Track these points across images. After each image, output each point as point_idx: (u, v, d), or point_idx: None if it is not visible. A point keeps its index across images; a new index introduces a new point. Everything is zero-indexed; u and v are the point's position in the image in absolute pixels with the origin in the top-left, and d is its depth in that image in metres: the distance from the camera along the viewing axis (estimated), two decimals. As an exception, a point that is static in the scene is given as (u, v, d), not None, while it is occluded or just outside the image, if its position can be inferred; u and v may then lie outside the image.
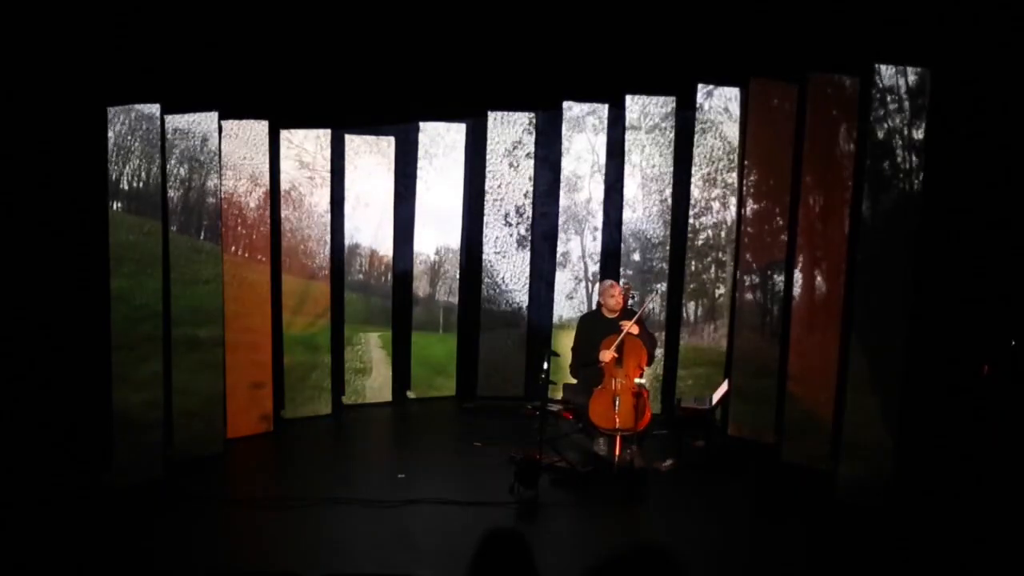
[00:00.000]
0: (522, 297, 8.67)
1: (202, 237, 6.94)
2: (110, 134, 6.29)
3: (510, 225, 8.59)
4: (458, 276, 8.70)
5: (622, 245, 8.31)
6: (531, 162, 8.53)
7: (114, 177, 6.33)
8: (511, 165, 8.51)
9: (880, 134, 6.36)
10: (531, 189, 8.56)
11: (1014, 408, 6.40)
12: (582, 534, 6.01)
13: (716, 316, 8.08)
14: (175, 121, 6.73)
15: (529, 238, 8.63)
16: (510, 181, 8.52)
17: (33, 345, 6.39)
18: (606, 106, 8.36)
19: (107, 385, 6.34)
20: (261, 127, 7.37)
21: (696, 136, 7.96)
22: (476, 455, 7.22)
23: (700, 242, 8.05)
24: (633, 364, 6.76)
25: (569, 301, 8.49)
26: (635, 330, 6.77)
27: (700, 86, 7.91)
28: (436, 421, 8.20)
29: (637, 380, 6.72)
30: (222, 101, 7.01)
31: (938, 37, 6.51)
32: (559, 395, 7.24)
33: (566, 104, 8.36)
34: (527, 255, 8.65)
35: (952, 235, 6.73)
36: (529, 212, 8.60)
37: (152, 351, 6.53)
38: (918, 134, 6.29)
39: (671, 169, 8.25)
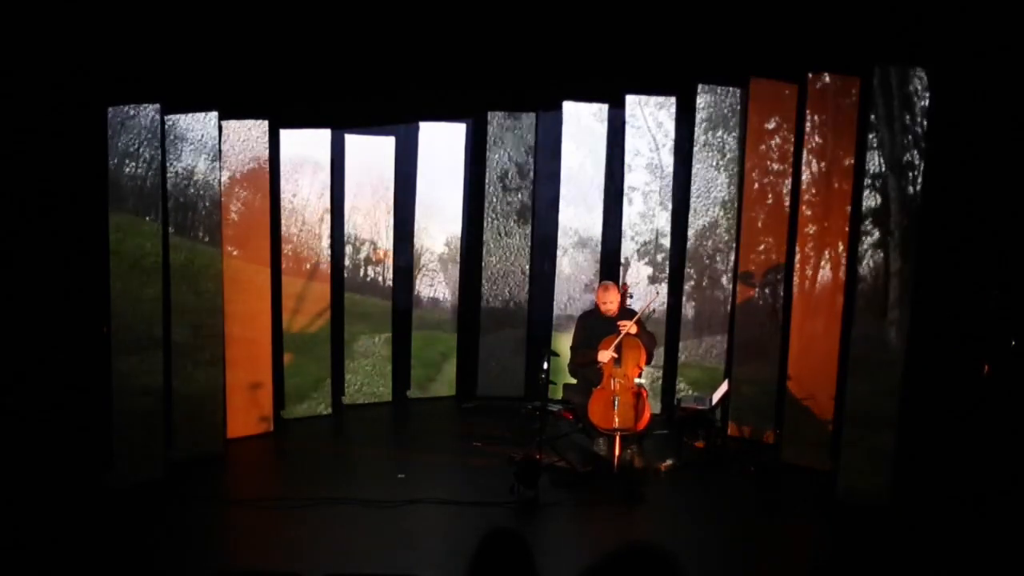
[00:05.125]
0: (522, 290, 8.69)
1: (202, 237, 6.93)
2: (110, 134, 6.29)
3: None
4: (459, 276, 8.70)
5: (622, 245, 8.32)
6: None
7: (114, 177, 6.32)
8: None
9: (880, 134, 6.35)
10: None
11: (1014, 408, 6.41)
12: (582, 534, 6.01)
13: (716, 316, 8.08)
14: (175, 121, 6.73)
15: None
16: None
17: (34, 345, 6.40)
18: (606, 106, 8.36)
19: (107, 385, 6.34)
20: (261, 127, 7.37)
21: (696, 134, 7.96)
22: (476, 455, 7.22)
23: (700, 242, 8.04)
24: (632, 364, 6.76)
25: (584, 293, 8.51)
26: (634, 330, 6.77)
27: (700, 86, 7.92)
28: (436, 421, 8.20)
29: (636, 380, 6.72)
30: (222, 101, 7.00)
31: (939, 37, 6.52)
32: (559, 395, 7.24)
33: (566, 104, 8.36)
34: (527, 245, 8.66)
35: (952, 235, 6.73)
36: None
37: (152, 351, 6.53)
38: (918, 134, 6.28)
39: (671, 168, 8.26)
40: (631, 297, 7.25)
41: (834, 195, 6.95)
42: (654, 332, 7.32)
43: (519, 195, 8.62)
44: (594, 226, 8.43)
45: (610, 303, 6.97)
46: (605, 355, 6.71)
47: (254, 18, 7.25)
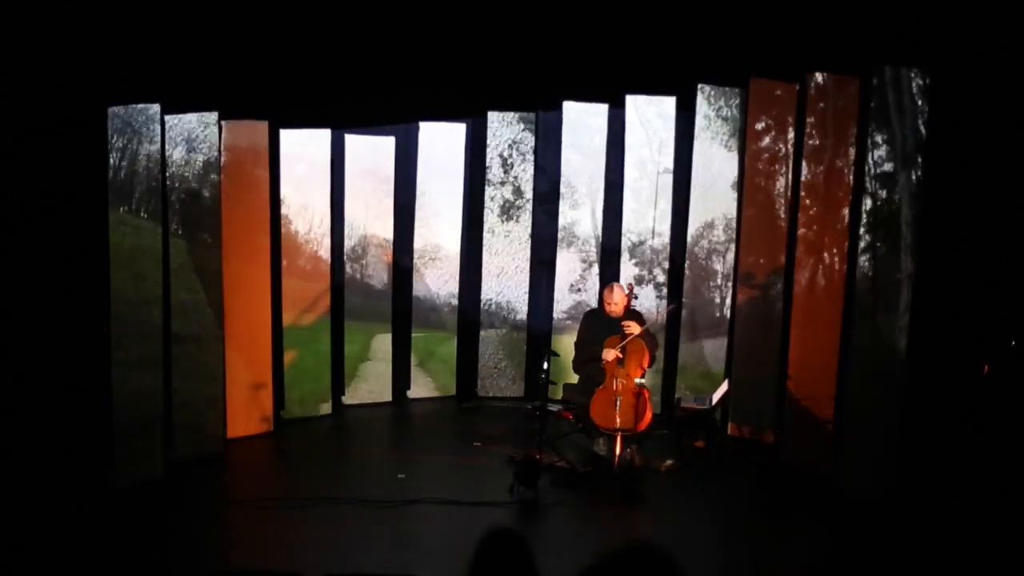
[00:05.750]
0: (522, 289, 8.69)
1: (202, 237, 6.93)
2: (110, 134, 6.29)
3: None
4: (459, 275, 8.70)
5: (622, 245, 8.32)
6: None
7: (114, 177, 6.32)
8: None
9: (880, 134, 6.36)
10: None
11: (1014, 408, 6.40)
12: (582, 534, 6.01)
13: (716, 316, 8.08)
14: (175, 121, 6.73)
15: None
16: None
17: (34, 345, 6.38)
18: (606, 106, 8.36)
19: (108, 385, 6.34)
20: (261, 127, 7.37)
21: (696, 134, 7.95)
22: (476, 455, 7.23)
23: (700, 242, 8.04)
24: (635, 364, 6.76)
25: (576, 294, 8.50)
26: (637, 331, 6.77)
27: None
28: (436, 421, 8.20)
29: (638, 380, 6.72)
30: (222, 101, 7.00)
31: (939, 37, 6.51)
32: (559, 395, 7.24)
33: (566, 104, 8.37)
34: (527, 244, 8.65)
35: (952, 235, 6.72)
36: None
37: (152, 351, 6.53)
38: (918, 134, 6.29)
39: (671, 168, 8.26)
40: (635, 298, 7.25)
41: (834, 195, 6.94)
42: (655, 335, 7.31)
43: (516, 190, 8.61)
44: (593, 226, 8.43)
45: (615, 304, 6.98)
46: (610, 354, 6.72)
47: (254, 18, 7.25)
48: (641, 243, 8.31)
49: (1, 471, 6.03)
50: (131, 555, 5.43)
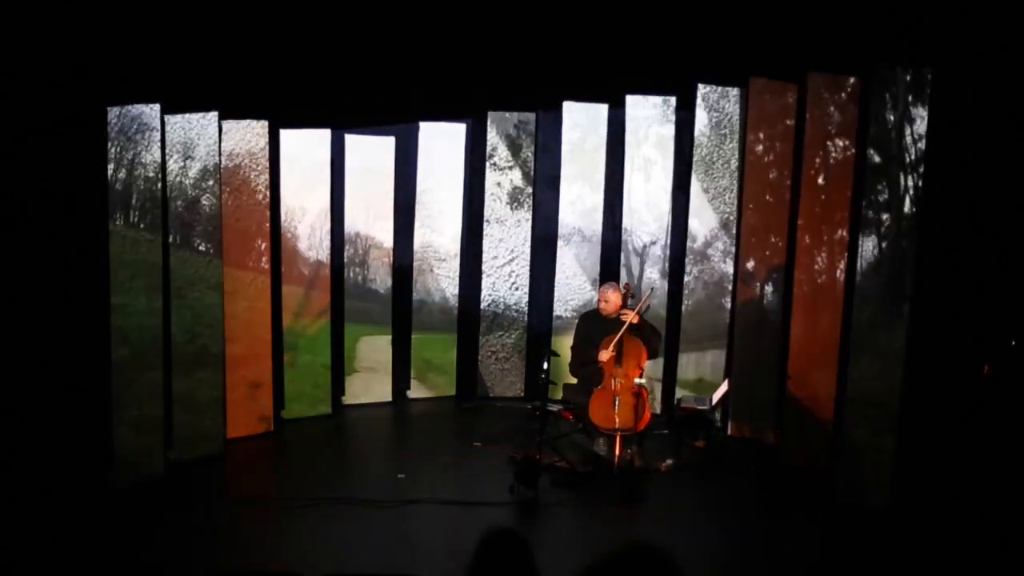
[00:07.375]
0: (522, 289, 8.69)
1: (202, 237, 6.93)
2: (110, 134, 6.29)
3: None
4: (458, 275, 8.69)
5: (622, 243, 8.32)
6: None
7: (114, 177, 6.32)
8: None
9: (880, 134, 6.35)
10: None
11: (1014, 408, 6.41)
12: (582, 534, 6.01)
13: (716, 316, 8.07)
14: (175, 122, 6.73)
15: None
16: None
17: (34, 346, 6.39)
18: (605, 106, 8.36)
19: (108, 385, 6.34)
20: (261, 127, 7.37)
21: (696, 133, 7.95)
22: (476, 455, 7.22)
23: (700, 242, 8.04)
24: (632, 364, 6.75)
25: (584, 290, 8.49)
26: (635, 319, 6.76)
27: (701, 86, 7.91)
28: (436, 421, 8.20)
29: (637, 380, 6.72)
30: (222, 101, 7.00)
31: (939, 37, 6.52)
32: (559, 395, 7.24)
33: (566, 105, 8.36)
34: (528, 243, 8.65)
35: (952, 235, 6.73)
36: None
37: (152, 351, 6.53)
38: (919, 133, 6.29)
39: (671, 167, 8.26)
40: (632, 297, 7.25)
41: (834, 195, 6.94)
42: (655, 327, 7.30)
43: (513, 181, 8.60)
44: (595, 223, 8.43)
45: (609, 303, 6.97)
46: (605, 354, 6.71)
47: (254, 18, 7.25)
48: (643, 243, 8.30)
49: (1, 471, 6.03)
50: (131, 555, 5.43)
